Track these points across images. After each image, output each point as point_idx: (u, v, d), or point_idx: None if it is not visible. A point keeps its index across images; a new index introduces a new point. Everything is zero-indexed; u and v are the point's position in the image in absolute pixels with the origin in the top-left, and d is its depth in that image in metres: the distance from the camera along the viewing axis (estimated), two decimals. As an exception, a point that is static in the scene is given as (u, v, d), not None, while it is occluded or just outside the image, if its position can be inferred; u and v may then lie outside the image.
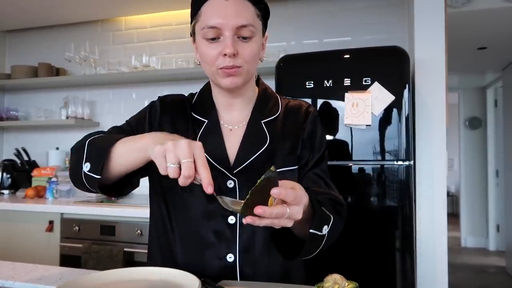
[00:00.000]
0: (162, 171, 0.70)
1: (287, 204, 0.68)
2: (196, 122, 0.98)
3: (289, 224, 0.70)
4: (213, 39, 0.87)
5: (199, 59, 0.94)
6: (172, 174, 0.68)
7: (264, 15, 0.93)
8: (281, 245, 0.91)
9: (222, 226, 0.91)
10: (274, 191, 0.65)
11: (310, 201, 0.79)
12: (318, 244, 0.84)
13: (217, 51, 0.87)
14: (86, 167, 0.81)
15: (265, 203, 0.66)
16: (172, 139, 0.70)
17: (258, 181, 0.64)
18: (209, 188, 0.68)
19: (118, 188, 0.88)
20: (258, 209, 0.64)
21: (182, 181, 0.69)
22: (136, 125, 1.00)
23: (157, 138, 0.73)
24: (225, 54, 0.85)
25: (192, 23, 0.93)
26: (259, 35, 0.90)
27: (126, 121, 1.03)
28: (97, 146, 0.82)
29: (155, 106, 1.01)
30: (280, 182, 0.68)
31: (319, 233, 0.81)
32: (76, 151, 0.87)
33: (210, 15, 0.86)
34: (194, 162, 0.69)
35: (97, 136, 0.89)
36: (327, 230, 0.83)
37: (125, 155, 0.79)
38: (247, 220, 0.66)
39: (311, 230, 0.80)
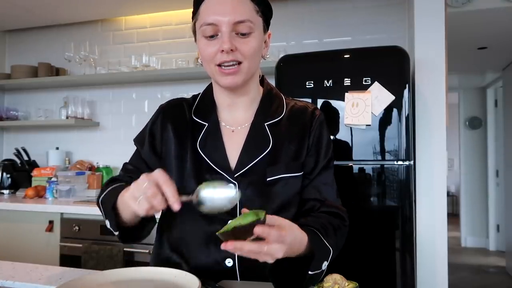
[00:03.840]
0: (141, 212, 0.72)
1: (267, 241, 0.67)
2: (197, 126, 0.97)
3: (269, 260, 0.68)
4: (211, 36, 0.87)
5: (201, 58, 0.94)
6: (144, 204, 0.71)
7: (264, 11, 0.92)
8: (278, 278, 0.86)
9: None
10: (256, 230, 0.65)
11: (308, 237, 0.77)
12: (317, 278, 0.82)
13: (215, 48, 0.86)
14: (107, 223, 0.90)
15: (245, 236, 0.66)
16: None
17: (247, 221, 0.65)
18: (174, 205, 0.70)
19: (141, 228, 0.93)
20: (229, 246, 0.65)
21: (157, 205, 0.71)
22: (141, 147, 1.01)
23: (131, 190, 0.76)
24: (223, 50, 0.85)
25: (193, 22, 0.93)
26: (259, 32, 0.90)
27: (133, 140, 1.04)
28: (106, 206, 0.89)
29: (156, 121, 1.01)
30: (269, 217, 0.68)
31: (318, 271, 0.80)
32: (97, 205, 0.96)
33: (207, 12, 0.87)
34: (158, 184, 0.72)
35: (104, 194, 0.94)
36: (327, 264, 0.82)
37: (124, 212, 0.85)
38: (224, 246, 0.66)
39: (310, 272, 0.78)
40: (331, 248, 0.83)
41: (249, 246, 0.65)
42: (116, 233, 0.88)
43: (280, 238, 0.68)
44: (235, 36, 0.86)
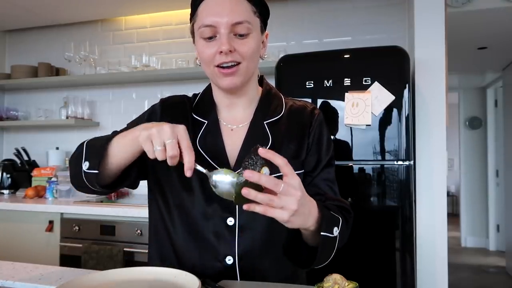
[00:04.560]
0: (150, 155, 0.75)
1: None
2: (197, 123, 0.97)
3: (284, 215, 0.68)
4: (210, 38, 0.87)
5: (199, 60, 0.94)
6: (159, 156, 0.73)
7: (261, 12, 0.92)
8: (294, 255, 0.89)
9: (221, 228, 0.90)
10: (260, 150, 0.66)
11: (317, 207, 0.78)
12: (331, 248, 0.83)
13: (214, 50, 0.87)
14: (85, 165, 0.84)
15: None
16: (158, 125, 0.75)
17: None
18: (188, 172, 0.71)
19: (116, 184, 0.91)
20: (247, 173, 0.64)
21: (169, 161, 0.73)
22: None
23: (146, 127, 0.77)
24: (221, 52, 0.85)
25: (191, 24, 0.93)
26: (256, 32, 0.90)
27: (127, 124, 1.03)
28: (95, 145, 0.86)
29: (155, 111, 1.00)
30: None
31: (330, 235, 0.80)
32: (76, 156, 0.90)
33: (205, 14, 0.87)
34: (179, 143, 0.74)
35: (94, 138, 0.92)
36: (338, 231, 0.82)
37: (121, 148, 0.83)
38: (245, 207, 0.67)
39: (322, 233, 0.78)
40: (339, 216, 0.84)
41: (267, 178, 0.65)
42: (95, 171, 0.82)
43: (292, 172, 0.69)
44: (233, 37, 0.86)
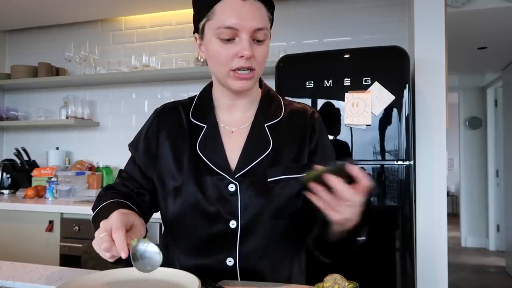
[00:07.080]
0: (107, 259, 0.74)
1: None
2: (195, 128, 0.97)
3: (336, 217, 0.77)
4: (228, 39, 0.85)
5: (203, 58, 0.93)
6: (105, 255, 0.72)
7: (272, 19, 0.93)
8: (322, 248, 0.94)
9: (223, 230, 0.90)
10: (349, 167, 0.74)
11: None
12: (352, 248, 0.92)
13: (232, 52, 0.85)
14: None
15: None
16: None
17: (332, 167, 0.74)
18: (122, 254, 0.69)
19: None
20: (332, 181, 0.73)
21: (105, 256, 0.73)
22: (136, 151, 1.01)
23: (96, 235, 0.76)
24: (242, 56, 0.84)
25: (202, 22, 0.89)
26: (269, 39, 0.91)
27: (128, 145, 1.03)
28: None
29: (152, 125, 1.00)
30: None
31: (359, 239, 0.88)
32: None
33: (227, 15, 0.84)
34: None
35: (95, 212, 0.96)
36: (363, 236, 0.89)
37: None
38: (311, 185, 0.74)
39: (358, 238, 0.89)
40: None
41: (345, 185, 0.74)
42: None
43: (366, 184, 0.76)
44: (252, 42, 0.86)
